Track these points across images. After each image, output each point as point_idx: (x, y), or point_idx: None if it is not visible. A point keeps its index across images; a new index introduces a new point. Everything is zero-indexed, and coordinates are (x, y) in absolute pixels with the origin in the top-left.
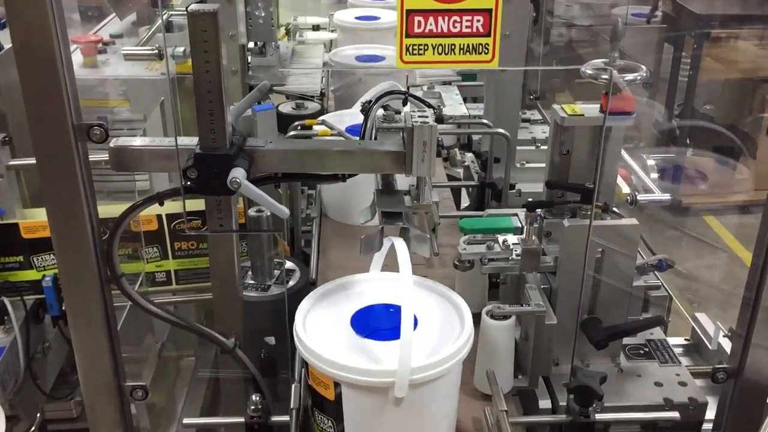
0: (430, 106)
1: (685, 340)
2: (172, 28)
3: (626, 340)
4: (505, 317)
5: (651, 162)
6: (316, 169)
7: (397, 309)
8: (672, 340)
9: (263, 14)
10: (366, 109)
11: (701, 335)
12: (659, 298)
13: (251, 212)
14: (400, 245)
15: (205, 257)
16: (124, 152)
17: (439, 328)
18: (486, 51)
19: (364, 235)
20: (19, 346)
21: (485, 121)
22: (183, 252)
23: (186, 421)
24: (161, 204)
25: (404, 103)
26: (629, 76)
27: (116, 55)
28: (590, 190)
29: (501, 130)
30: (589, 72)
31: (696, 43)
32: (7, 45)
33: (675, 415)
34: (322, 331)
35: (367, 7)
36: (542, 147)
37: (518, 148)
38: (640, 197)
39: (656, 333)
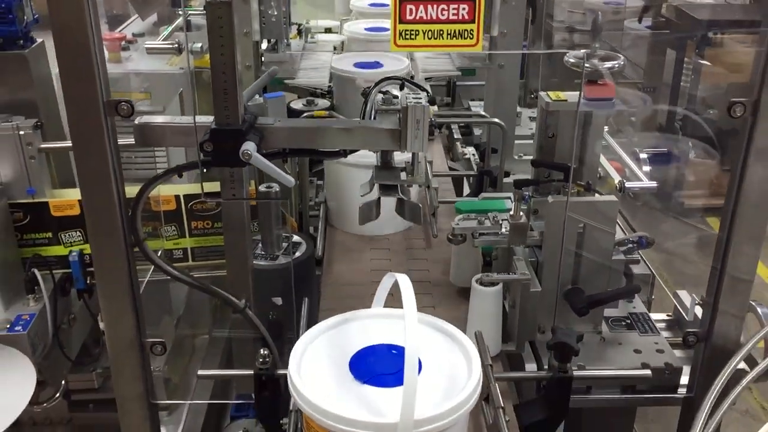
0: (424, 90)
1: (667, 315)
2: (190, 26)
3: (609, 313)
4: (493, 284)
5: (643, 155)
6: (321, 144)
7: (400, 351)
8: (655, 316)
9: (276, 12)
10: (366, 94)
11: (681, 310)
12: (643, 275)
13: (262, 188)
14: (404, 282)
15: (219, 236)
16: (147, 128)
17: (446, 372)
18: (471, 36)
19: (362, 203)
20: (47, 314)
21: (483, 113)
22: (199, 231)
23: (201, 372)
24: (180, 176)
25: (401, 89)
26: (608, 64)
27: (138, 51)
28: (569, 168)
29: (496, 120)
30: (572, 60)
31: (698, 47)
32: (39, 39)
33: (647, 372)
34: (319, 376)
35: (376, 18)
36: None
37: (517, 141)
38: (628, 184)
39: (638, 307)
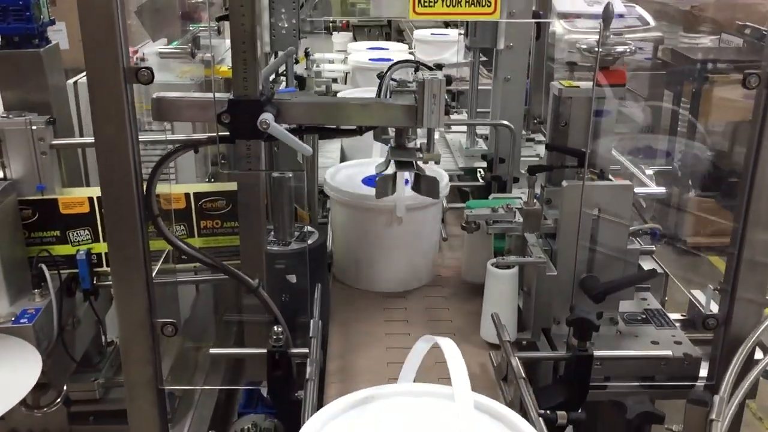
0: (440, 68)
1: (682, 315)
2: (198, 44)
3: (624, 308)
4: (509, 267)
5: (649, 171)
6: (338, 121)
7: None
8: (669, 315)
9: (286, 25)
10: (381, 77)
11: (697, 304)
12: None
13: (275, 174)
14: (450, 348)
15: (227, 236)
16: (164, 102)
17: None
18: (489, 4)
19: (379, 176)
20: (53, 310)
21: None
22: (208, 230)
23: (213, 351)
24: (196, 151)
25: (415, 71)
26: (620, 48)
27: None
28: (584, 153)
29: (505, 122)
30: (584, 47)
31: (695, 87)
32: (54, 41)
33: (668, 352)
34: None
35: (377, 40)
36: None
37: (522, 158)
38: (637, 189)
39: (653, 304)
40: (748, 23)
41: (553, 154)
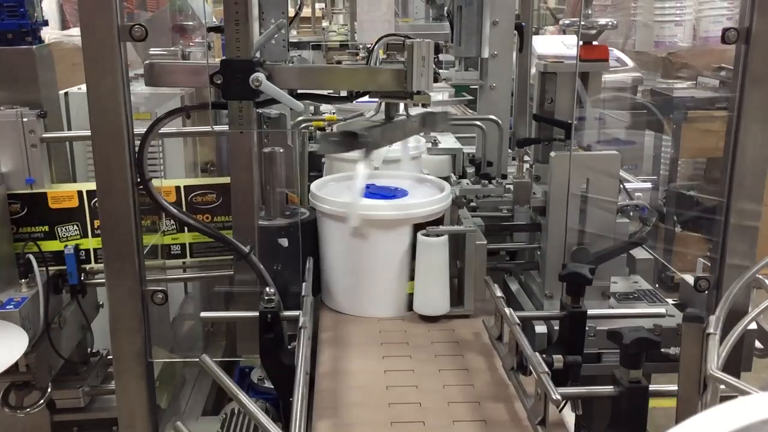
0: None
1: (673, 301)
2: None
3: (616, 288)
4: (439, 235)
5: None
6: (328, 85)
7: None
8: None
9: (276, 36)
10: (369, 51)
11: (687, 291)
12: (645, 261)
13: (265, 150)
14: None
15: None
16: (157, 68)
17: None
18: None
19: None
20: (40, 300)
21: (478, 123)
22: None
23: (203, 314)
24: (188, 117)
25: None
26: (602, 21)
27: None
28: (570, 124)
29: (492, 117)
30: (567, 22)
31: (675, 124)
32: (46, 40)
33: (662, 311)
34: None
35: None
36: None
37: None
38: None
39: (644, 286)
40: (723, 65)
41: (541, 130)
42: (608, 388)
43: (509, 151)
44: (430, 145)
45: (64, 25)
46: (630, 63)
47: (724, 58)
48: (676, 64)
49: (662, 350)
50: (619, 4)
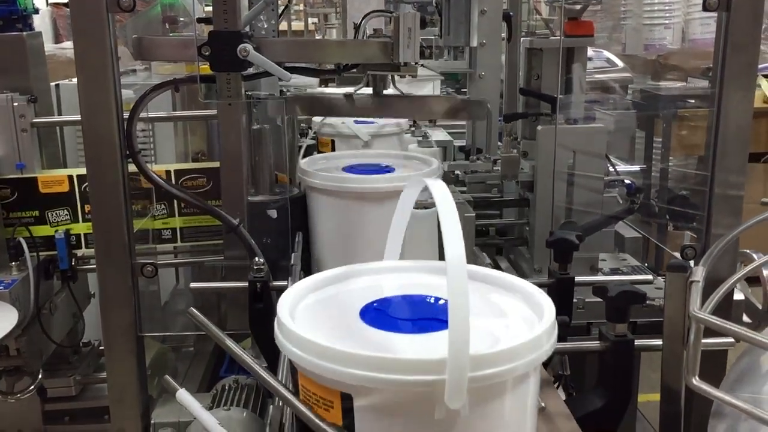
0: None
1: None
2: None
3: (604, 266)
4: (426, 207)
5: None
6: (315, 58)
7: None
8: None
9: (266, 26)
10: (356, 27)
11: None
12: (634, 239)
13: (254, 126)
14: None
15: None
16: (145, 41)
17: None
18: None
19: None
20: (30, 283)
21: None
22: (189, 209)
23: (193, 285)
24: (177, 90)
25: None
26: None
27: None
28: (555, 98)
29: (481, 99)
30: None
31: (665, 123)
32: (37, 28)
33: (649, 277)
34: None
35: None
36: None
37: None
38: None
39: (633, 263)
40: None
41: (529, 106)
42: (594, 343)
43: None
44: (420, 138)
45: (58, 39)
46: (620, 64)
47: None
48: (666, 66)
49: (647, 301)
50: (609, 8)
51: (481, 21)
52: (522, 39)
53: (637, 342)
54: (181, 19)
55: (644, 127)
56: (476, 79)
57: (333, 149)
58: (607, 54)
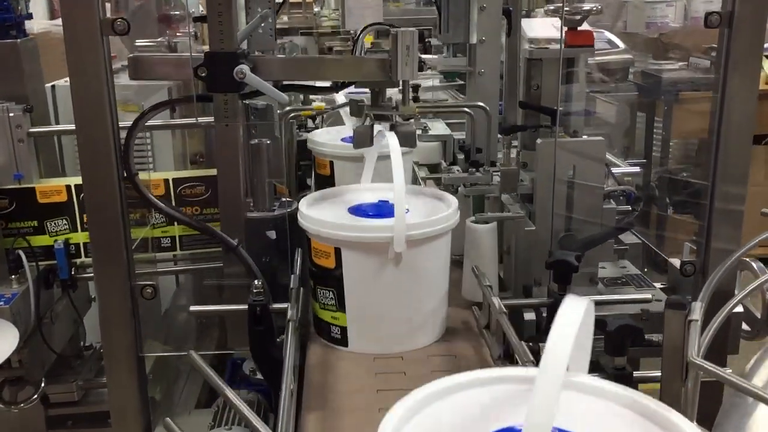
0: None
1: (661, 285)
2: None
3: (604, 274)
4: (487, 222)
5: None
6: (313, 76)
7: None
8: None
9: (263, 24)
10: (354, 40)
11: (675, 275)
12: (634, 246)
13: (252, 141)
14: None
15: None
16: (141, 60)
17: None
18: None
19: (356, 128)
20: (31, 295)
21: (467, 110)
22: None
23: (192, 308)
24: (173, 110)
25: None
26: (587, 6)
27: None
28: (555, 110)
29: (480, 104)
30: (552, 8)
31: (666, 105)
32: (34, 30)
33: (648, 296)
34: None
35: None
36: None
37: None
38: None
39: (632, 271)
40: (714, 45)
41: (528, 117)
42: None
43: (498, 136)
44: (420, 132)
45: (53, 15)
46: (621, 45)
47: (716, 38)
48: (668, 45)
49: (646, 337)
50: None
51: (481, 17)
52: (524, 47)
53: (636, 374)
54: (177, 13)
55: (645, 109)
56: (476, 76)
57: (331, 170)
58: (608, 35)
